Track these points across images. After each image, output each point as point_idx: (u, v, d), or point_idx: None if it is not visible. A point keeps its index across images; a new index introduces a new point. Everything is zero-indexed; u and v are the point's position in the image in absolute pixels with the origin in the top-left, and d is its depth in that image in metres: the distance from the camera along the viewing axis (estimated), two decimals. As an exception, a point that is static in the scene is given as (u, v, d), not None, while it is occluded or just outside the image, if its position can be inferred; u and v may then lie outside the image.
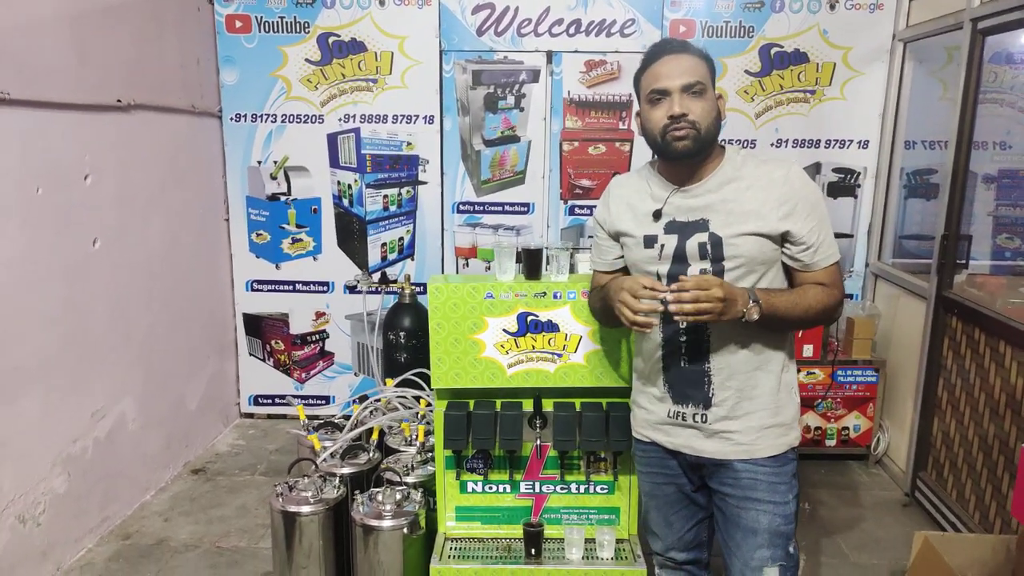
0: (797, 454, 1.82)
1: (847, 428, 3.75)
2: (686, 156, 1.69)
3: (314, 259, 4.17)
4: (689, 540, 1.97)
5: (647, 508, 2.01)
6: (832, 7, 3.81)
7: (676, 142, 1.67)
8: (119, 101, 3.09)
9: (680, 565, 2.01)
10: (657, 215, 1.76)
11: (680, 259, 1.73)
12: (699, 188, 1.73)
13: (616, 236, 1.87)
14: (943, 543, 2.47)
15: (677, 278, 1.69)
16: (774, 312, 1.64)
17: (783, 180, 1.69)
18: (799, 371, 2.90)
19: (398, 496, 2.44)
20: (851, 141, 3.96)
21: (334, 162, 4.06)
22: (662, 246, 1.75)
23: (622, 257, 1.89)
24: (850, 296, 3.99)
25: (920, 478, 3.39)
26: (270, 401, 4.31)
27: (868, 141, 3.95)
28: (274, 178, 4.07)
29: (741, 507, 1.78)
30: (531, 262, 2.32)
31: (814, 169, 3.96)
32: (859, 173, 4.00)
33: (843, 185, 4.02)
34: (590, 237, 4.07)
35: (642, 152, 3.98)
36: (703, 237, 1.70)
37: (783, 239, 1.70)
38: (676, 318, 1.59)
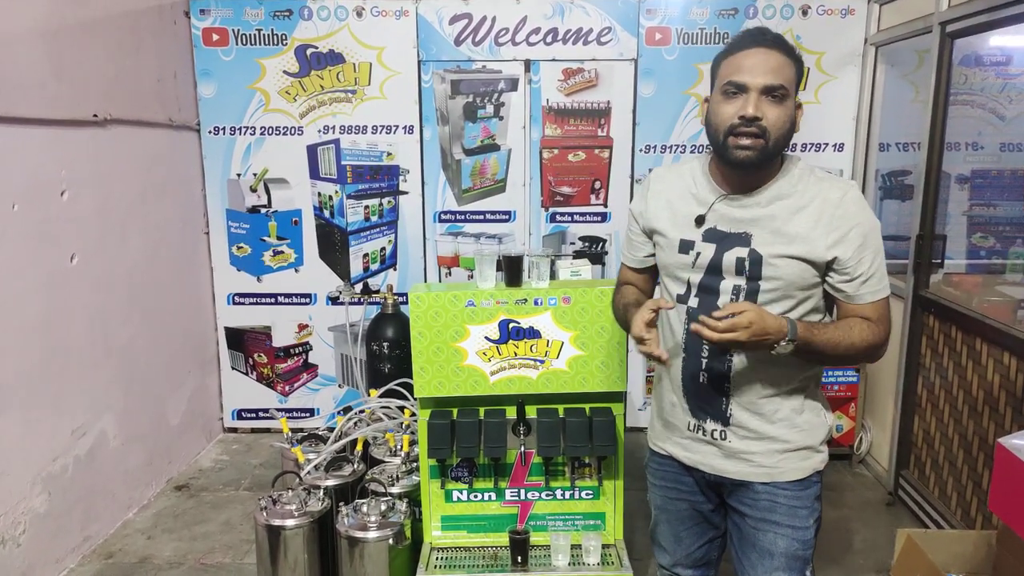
0: (822, 476, 1.74)
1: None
2: (746, 167, 1.56)
3: (296, 271, 4.15)
4: (698, 557, 1.90)
5: (657, 520, 1.93)
6: (804, 13, 3.86)
7: (738, 151, 1.53)
8: (95, 116, 3.07)
9: None
10: (700, 220, 1.64)
11: (715, 271, 1.63)
12: (748, 199, 1.61)
13: (650, 233, 1.76)
14: (926, 540, 2.50)
15: (708, 290, 1.64)
16: (810, 350, 1.53)
17: (838, 203, 1.56)
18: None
19: (383, 507, 2.44)
20: (826, 144, 4.01)
21: (314, 173, 4.05)
22: (698, 254, 1.64)
23: (653, 255, 1.79)
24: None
25: (903, 476, 3.42)
26: (254, 415, 4.27)
27: (843, 144, 4.00)
28: (254, 190, 4.06)
29: (758, 528, 1.71)
30: (512, 269, 2.33)
31: (791, 172, 4.00)
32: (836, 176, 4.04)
33: (820, 188, 4.06)
34: (573, 244, 4.10)
35: (622, 158, 4.01)
36: (743, 252, 1.59)
37: (828, 267, 1.58)
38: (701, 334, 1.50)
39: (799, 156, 1.68)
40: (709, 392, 1.69)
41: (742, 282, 1.60)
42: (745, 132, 1.51)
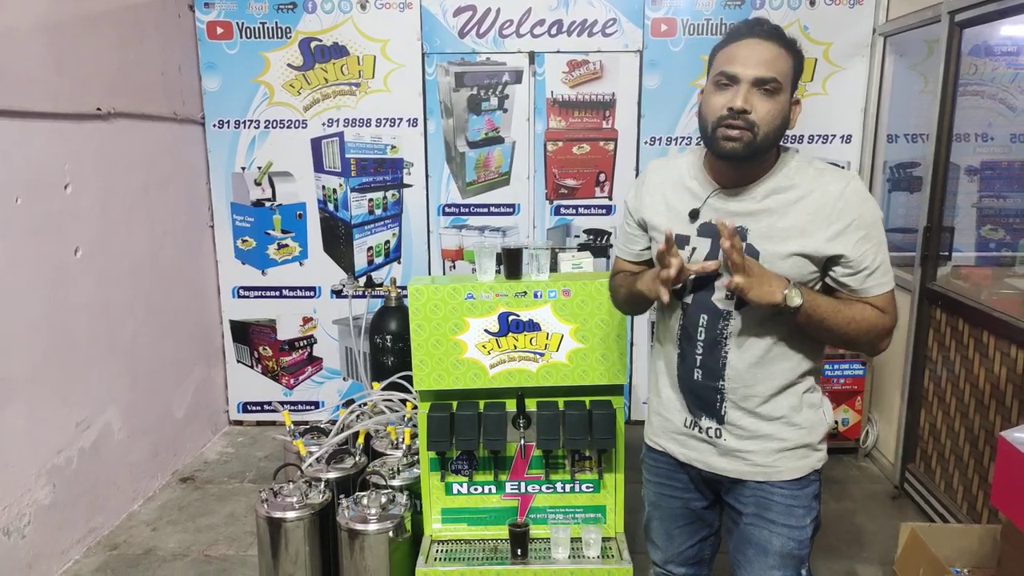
0: (821, 474, 1.70)
1: (836, 422, 3.75)
2: (732, 159, 1.51)
3: (300, 264, 4.16)
4: (690, 556, 1.87)
5: (650, 517, 1.90)
6: (812, 3, 3.82)
7: (725, 142, 1.48)
8: (99, 109, 3.08)
9: None
10: (694, 215, 1.60)
11: None
12: (744, 193, 1.56)
13: (644, 225, 1.72)
14: (930, 534, 2.48)
15: (704, 286, 1.59)
16: (815, 309, 1.48)
17: (838, 195, 1.51)
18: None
19: (383, 500, 2.44)
20: (834, 136, 3.97)
21: (318, 167, 4.05)
22: (693, 249, 1.60)
23: (648, 249, 1.74)
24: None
25: (909, 470, 3.40)
26: (259, 408, 4.29)
27: (851, 136, 3.96)
28: (258, 184, 4.06)
29: (754, 525, 1.69)
30: (511, 262, 2.32)
31: (798, 164, 3.96)
32: (843, 167, 4.00)
33: (827, 180, 4.02)
34: (577, 237, 4.08)
35: (627, 151, 3.98)
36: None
37: (829, 261, 1.53)
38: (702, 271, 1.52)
39: (797, 148, 1.62)
40: (704, 390, 1.66)
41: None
42: (733, 124, 1.47)
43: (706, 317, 1.60)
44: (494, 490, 2.45)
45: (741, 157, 1.50)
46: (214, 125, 4.00)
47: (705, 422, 1.68)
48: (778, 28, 1.52)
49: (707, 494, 1.79)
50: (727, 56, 1.51)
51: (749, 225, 1.55)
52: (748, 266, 1.45)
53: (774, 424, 1.63)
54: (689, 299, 1.63)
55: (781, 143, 1.56)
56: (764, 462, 1.64)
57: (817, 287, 1.57)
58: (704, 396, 1.66)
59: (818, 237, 1.51)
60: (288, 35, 3.91)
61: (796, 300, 1.46)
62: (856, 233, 1.50)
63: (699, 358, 1.64)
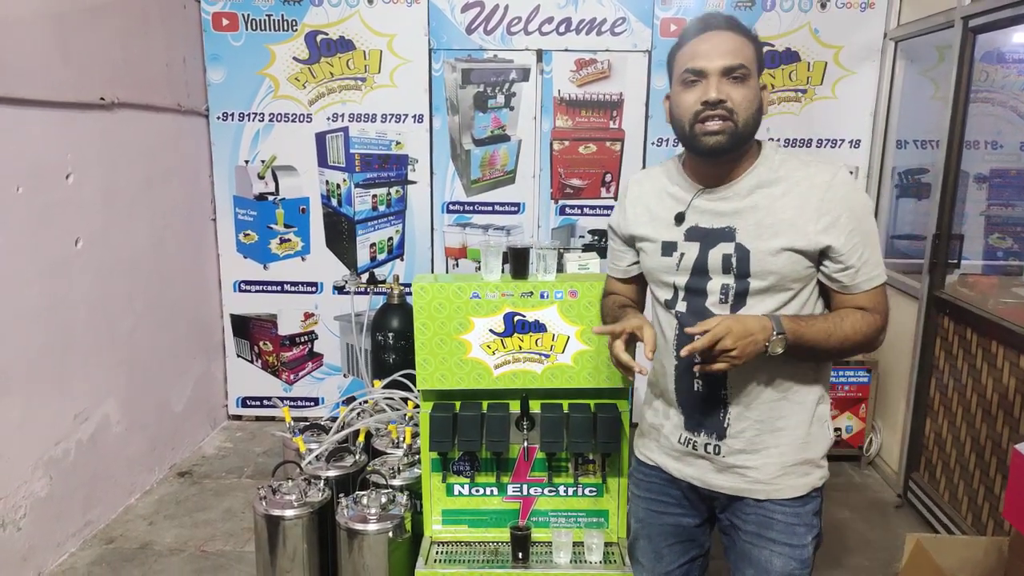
0: (823, 492, 1.64)
1: (839, 429, 3.72)
2: (718, 153, 1.47)
3: (302, 259, 4.13)
4: None
5: (636, 535, 1.80)
6: (823, 6, 3.79)
7: (707, 136, 1.45)
8: (102, 99, 3.05)
9: None
10: (679, 218, 1.56)
11: (700, 271, 1.54)
12: (728, 191, 1.52)
13: (631, 241, 1.69)
14: (935, 545, 2.45)
15: (695, 292, 1.55)
16: (801, 344, 1.46)
17: (826, 186, 1.47)
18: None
19: (383, 499, 2.41)
20: (842, 140, 3.94)
21: (322, 161, 4.02)
22: (682, 255, 1.56)
23: (637, 263, 1.71)
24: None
25: (912, 479, 3.37)
26: (258, 403, 4.26)
27: (860, 140, 3.93)
28: (262, 178, 4.03)
29: (752, 544, 1.61)
30: (518, 261, 2.29)
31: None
32: (851, 173, 3.98)
33: (835, 185, 3.99)
34: (582, 238, 4.06)
35: (634, 152, 3.95)
36: (728, 248, 1.51)
37: (821, 255, 1.49)
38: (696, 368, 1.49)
39: (778, 143, 1.59)
40: (706, 401, 1.59)
41: (730, 280, 1.52)
42: (712, 115, 1.44)
43: None
44: (496, 492, 2.42)
45: (727, 148, 1.46)
46: (218, 117, 3.97)
47: (703, 438, 1.61)
48: (733, 17, 1.52)
49: (700, 511, 1.72)
50: (688, 53, 1.49)
51: (736, 224, 1.51)
52: (718, 334, 1.40)
53: (779, 436, 1.57)
54: (683, 307, 1.58)
55: (758, 137, 1.54)
56: (765, 478, 1.58)
57: (813, 284, 1.54)
58: (706, 408, 1.59)
59: (809, 230, 1.47)
60: (294, 28, 3.88)
61: (778, 350, 1.44)
62: (848, 225, 1.47)
63: (698, 368, 1.55)
